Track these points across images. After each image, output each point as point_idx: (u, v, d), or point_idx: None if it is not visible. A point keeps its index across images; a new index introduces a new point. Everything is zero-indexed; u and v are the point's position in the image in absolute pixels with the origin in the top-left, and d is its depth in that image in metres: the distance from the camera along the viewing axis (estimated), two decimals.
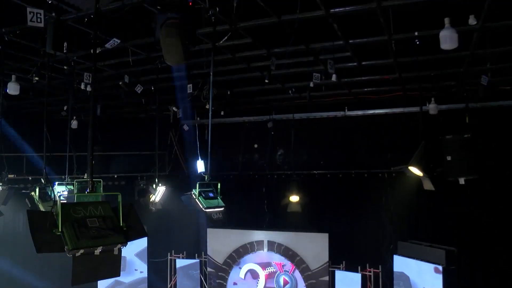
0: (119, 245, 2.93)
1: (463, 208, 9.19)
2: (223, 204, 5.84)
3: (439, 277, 7.93)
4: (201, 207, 5.68)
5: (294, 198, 9.79)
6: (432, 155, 6.65)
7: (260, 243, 10.55)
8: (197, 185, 5.70)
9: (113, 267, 2.87)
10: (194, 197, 5.73)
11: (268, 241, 10.47)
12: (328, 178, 10.56)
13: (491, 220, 8.90)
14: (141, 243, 11.32)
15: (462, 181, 9.23)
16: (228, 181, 11.31)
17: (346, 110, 10.29)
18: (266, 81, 6.51)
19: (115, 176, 11.77)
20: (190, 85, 8.25)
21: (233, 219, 11.16)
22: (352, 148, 10.46)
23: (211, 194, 5.87)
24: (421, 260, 8.33)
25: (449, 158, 7.11)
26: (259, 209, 11.00)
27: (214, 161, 11.27)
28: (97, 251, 2.76)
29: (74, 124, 9.66)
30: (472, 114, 8.30)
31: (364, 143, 10.36)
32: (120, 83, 7.36)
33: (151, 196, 9.04)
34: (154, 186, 8.97)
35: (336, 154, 10.62)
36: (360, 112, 10.18)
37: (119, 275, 2.96)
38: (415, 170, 6.57)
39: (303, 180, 10.32)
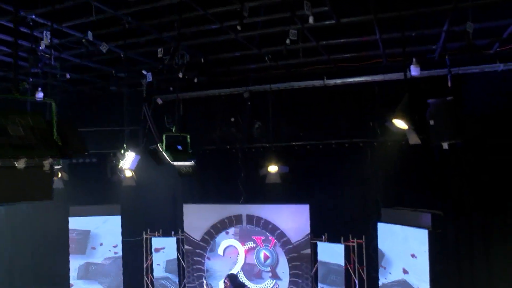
0: (50, 160, 2.44)
1: (447, 174, 8.97)
2: (193, 158, 5.39)
3: (425, 242, 7.66)
4: (168, 160, 5.23)
5: (273, 169, 9.41)
6: (416, 108, 6.33)
7: (238, 218, 10.17)
8: (164, 137, 5.22)
9: (43, 188, 2.39)
10: (160, 149, 5.26)
11: (247, 215, 10.11)
12: (307, 149, 10.19)
13: (475, 184, 8.67)
14: (115, 222, 10.84)
15: (445, 145, 9.03)
16: (204, 156, 10.90)
17: (325, 79, 9.90)
18: (239, 28, 6.01)
19: (86, 153, 11.22)
20: (161, 49, 7.76)
21: (211, 194, 10.81)
22: (332, 118, 10.09)
23: (179, 147, 5.41)
24: (406, 225, 8.06)
25: (432, 122, 6.91)
26: (237, 183, 10.60)
27: (190, 136, 10.97)
28: (21, 164, 2.27)
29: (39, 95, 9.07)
30: (456, 79, 8.08)
31: (344, 112, 9.99)
32: (83, 40, 6.81)
33: (119, 163, 8.56)
34: (122, 151, 8.44)
35: (316, 125, 10.24)
36: (339, 81, 9.80)
37: (50, 199, 2.49)
38: (399, 123, 6.26)
39: (282, 152, 9.93)
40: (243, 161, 10.67)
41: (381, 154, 9.44)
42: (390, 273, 8.53)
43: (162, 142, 5.34)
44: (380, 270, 8.74)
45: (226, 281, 9.08)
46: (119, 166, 8.82)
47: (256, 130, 10.95)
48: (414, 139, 6.38)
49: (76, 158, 11.18)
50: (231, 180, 10.70)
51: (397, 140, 8.94)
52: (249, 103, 10.63)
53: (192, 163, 6.10)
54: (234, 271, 9.93)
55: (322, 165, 10.12)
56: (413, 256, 7.92)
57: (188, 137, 5.66)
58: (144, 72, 8.57)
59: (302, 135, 10.34)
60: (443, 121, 6.60)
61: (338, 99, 9.97)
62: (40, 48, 6.67)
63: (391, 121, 6.29)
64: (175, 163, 5.27)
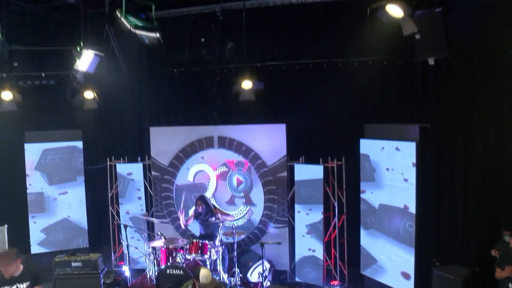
0: None
1: (432, 91, 8.29)
2: (159, 30, 4.55)
3: (412, 155, 6.98)
4: (128, 26, 4.36)
5: (247, 85, 8.56)
6: None
7: (209, 140, 9.37)
8: (123, 1, 4.32)
9: None
10: (119, 15, 4.38)
11: (218, 136, 9.30)
12: (283, 70, 9.31)
13: (460, 98, 8.02)
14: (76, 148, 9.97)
15: (431, 61, 8.35)
16: (173, 78, 10.03)
17: None
18: None
19: (43, 75, 10.18)
20: None
21: (179, 116, 9.98)
22: (309, 38, 9.19)
23: (142, 15, 4.58)
24: (392, 139, 7.36)
25: (417, 36, 6.26)
26: (207, 103, 9.76)
27: (157, 59, 10.01)
28: None
29: None
30: None
31: (322, 31, 9.09)
32: None
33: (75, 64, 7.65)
34: (78, 48, 7.51)
35: (292, 44, 9.30)
36: None
37: None
38: (394, 10, 5.53)
39: (257, 72, 9.02)
40: (214, 83, 9.76)
41: (362, 73, 8.69)
42: (372, 193, 7.88)
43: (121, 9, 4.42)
44: (363, 191, 8.06)
45: (198, 202, 8.40)
46: (74, 67, 7.85)
47: (229, 51, 9.97)
48: (409, 28, 5.78)
49: (31, 80, 10.15)
50: (201, 102, 9.86)
51: (378, 60, 8.46)
52: (221, 18, 9.62)
53: (157, 35, 5.24)
54: None
55: (299, 86, 9.33)
56: (403, 178, 7.22)
57: (153, 7, 4.73)
58: None
59: (278, 55, 9.44)
60: (429, 35, 6.14)
61: (315, 17, 9.04)
62: None
63: (384, 10, 5.66)
64: (137, 31, 4.41)
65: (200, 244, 7.80)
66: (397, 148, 7.19)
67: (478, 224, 8.16)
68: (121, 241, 9.55)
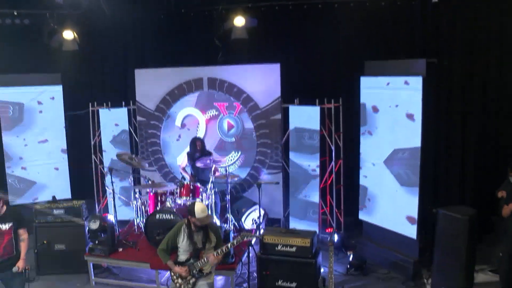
0: None
1: (433, 28, 7.85)
2: None
3: (418, 90, 6.54)
4: None
5: (239, 21, 8.01)
6: None
7: (198, 82, 8.82)
8: None
9: None
10: None
11: (208, 78, 8.75)
12: (276, 10, 8.70)
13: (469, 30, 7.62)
14: (55, 93, 9.29)
15: None
16: (159, 21, 9.35)
17: None
18: None
19: (15, 13, 9.32)
20: None
21: (166, 57, 9.37)
22: None
23: None
24: (396, 75, 6.88)
25: None
26: (196, 43, 9.15)
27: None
28: None
29: None
30: None
31: None
32: None
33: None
34: None
35: None
36: None
37: None
38: None
39: (249, 13, 8.41)
40: (204, 23, 9.13)
41: (359, 13, 8.17)
42: (370, 134, 7.45)
43: None
44: (362, 133, 7.63)
45: (197, 142, 7.91)
46: None
47: None
48: None
49: (1, 18, 9.33)
50: (190, 41, 9.22)
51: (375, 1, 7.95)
52: None
53: None
54: None
55: (294, 26, 8.78)
56: (408, 115, 6.78)
57: None
58: None
59: None
60: None
61: None
62: None
63: None
64: None
65: (191, 187, 7.35)
66: (406, 82, 6.70)
67: (474, 168, 7.90)
68: (106, 187, 9.05)
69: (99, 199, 9.72)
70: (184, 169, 8.38)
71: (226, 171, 7.72)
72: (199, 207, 5.05)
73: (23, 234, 5.65)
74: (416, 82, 6.57)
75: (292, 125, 8.27)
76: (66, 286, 7.14)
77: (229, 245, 5.24)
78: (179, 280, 5.24)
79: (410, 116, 6.71)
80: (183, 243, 5.18)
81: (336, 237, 7.47)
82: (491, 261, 7.06)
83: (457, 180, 7.99)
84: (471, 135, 7.83)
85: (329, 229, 8.26)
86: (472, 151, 7.86)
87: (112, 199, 7.95)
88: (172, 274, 5.31)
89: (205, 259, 5.13)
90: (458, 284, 6.16)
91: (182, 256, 5.24)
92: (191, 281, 5.20)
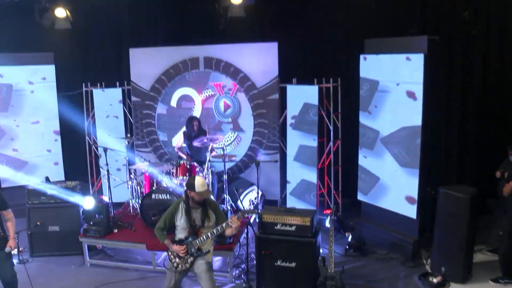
0: None
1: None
2: None
3: (420, 67, 6.41)
4: None
5: None
6: None
7: (195, 61, 8.65)
8: None
9: None
10: None
11: (204, 57, 8.58)
12: None
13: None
14: (47, 73, 9.07)
15: None
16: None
17: None
18: None
19: None
20: None
21: (162, 35, 9.14)
22: None
23: None
24: (396, 52, 6.74)
25: None
26: (193, 22, 8.94)
27: None
28: None
29: None
30: None
31: None
32: None
33: None
34: None
35: None
36: None
37: None
38: None
39: None
40: (200, 1, 8.92)
41: None
42: (370, 114, 7.32)
43: None
44: (361, 112, 7.50)
45: (194, 122, 7.76)
46: None
47: None
48: None
49: None
50: (186, 20, 9.01)
51: None
52: None
53: None
54: None
55: (291, 4, 8.59)
56: (409, 94, 6.66)
57: None
58: None
59: None
60: None
61: None
62: None
63: None
64: None
65: (188, 166, 7.22)
66: (407, 58, 6.55)
67: (474, 148, 7.84)
68: (100, 168, 8.90)
69: (93, 181, 9.57)
70: (180, 149, 8.24)
71: (223, 150, 7.58)
72: (199, 180, 4.92)
73: (7, 214, 5.51)
74: (418, 59, 6.44)
75: (291, 104, 8.11)
76: (60, 267, 7.00)
77: (240, 214, 5.03)
78: (177, 260, 5.12)
79: (411, 94, 6.58)
80: (181, 221, 5.05)
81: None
82: (489, 242, 7.03)
83: (456, 160, 7.93)
84: (470, 114, 7.75)
85: (327, 211, 8.16)
86: (472, 131, 7.78)
87: (106, 180, 7.80)
88: (170, 253, 5.19)
89: (204, 237, 5.00)
90: (458, 264, 6.11)
91: (180, 235, 5.12)
92: (189, 260, 5.07)
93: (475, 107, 7.72)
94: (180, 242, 5.08)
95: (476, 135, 7.85)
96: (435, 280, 6.11)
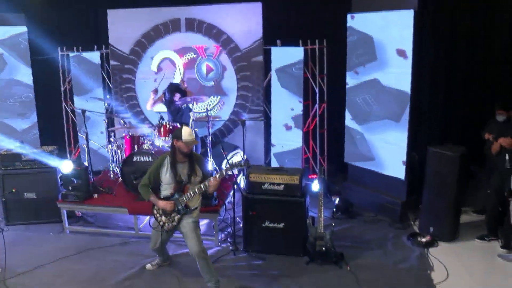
0: None
1: None
2: None
3: (410, 24, 6.23)
4: None
5: None
6: None
7: (175, 23, 8.33)
8: None
9: None
10: None
11: (186, 19, 8.26)
12: None
13: None
14: (19, 35, 8.63)
15: None
16: None
17: None
18: None
19: None
20: None
21: None
22: None
23: None
24: (386, 10, 6.53)
25: None
26: None
27: None
28: None
29: None
30: None
31: None
32: None
33: None
34: None
35: None
36: None
37: None
38: None
39: None
40: None
41: None
42: (357, 74, 7.14)
43: None
44: (348, 72, 7.32)
45: (176, 94, 7.39)
46: None
47: None
48: None
49: None
50: None
51: None
52: None
53: None
54: None
55: None
56: (399, 52, 6.47)
57: None
58: None
59: None
60: None
61: None
62: None
63: None
64: None
65: (170, 127, 6.96)
66: (396, 16, 6.37)
67: (462, 110, 7.78)
68: (78, 133, 8.58)
69: (71, 149, 9.25)
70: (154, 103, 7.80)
71: (206, 111, 7.33)
72: (186, 130, 4.71)
73: None
74: (407, 16, 6.26)
75: (275, 66, 7.90)
76: (38, 235, 6.71)
77: (223, 171, 4.83)
78: (163, 218, 4.92)
79: (401, 53, 6.41)
80: (166, 175, 4.84)
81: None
82: (474, 204, 7.03)
83: (443, 122, 7.86)
84: (458, 73, 7.66)
85: (313, 175, 8.03)
86: (461, 91, 7.70)
87: (85, 145, 7.49)
88: (155, 211, 4.99)
89: (191, 194, 4.81)
90: (446, 223, 6.07)
91: (165, 192, 4.92)
92: (176, 218, 4.88)
93: (461, 68, 7.63)
94: (166, 199, 4.87)
95: (462, 98, 7.78)
96: (423, 240, 6.07)
